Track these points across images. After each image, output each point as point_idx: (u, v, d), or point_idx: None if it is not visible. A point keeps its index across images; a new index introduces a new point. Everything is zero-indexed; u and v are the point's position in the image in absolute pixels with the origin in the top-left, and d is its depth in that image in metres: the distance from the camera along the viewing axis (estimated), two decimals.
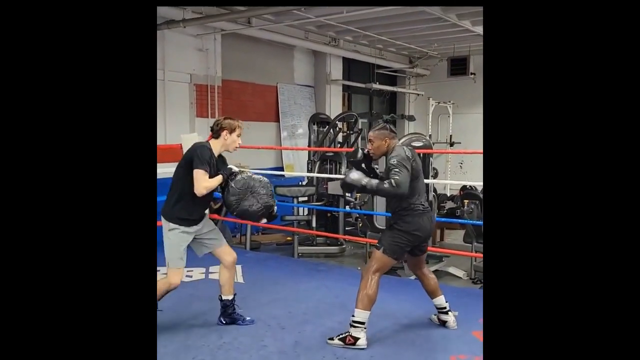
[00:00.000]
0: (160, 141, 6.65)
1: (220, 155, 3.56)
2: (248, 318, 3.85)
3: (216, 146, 3.48)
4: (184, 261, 3.49)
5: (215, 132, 3.48)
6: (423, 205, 3.55)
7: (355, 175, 3.49)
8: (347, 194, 6.73)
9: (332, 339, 3.53)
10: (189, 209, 3.42)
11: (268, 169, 8.28)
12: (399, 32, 8.78)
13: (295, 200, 6.78)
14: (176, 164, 6.54)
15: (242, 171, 3.57)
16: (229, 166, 3.59)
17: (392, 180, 3.31)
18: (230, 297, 3.76)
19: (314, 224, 6.79)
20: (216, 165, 3.47)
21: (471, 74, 9.96)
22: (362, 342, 3.45)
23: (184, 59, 7.31)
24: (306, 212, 7.06)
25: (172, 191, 3.48)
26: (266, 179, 3.62)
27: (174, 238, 3.42)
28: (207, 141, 3.56)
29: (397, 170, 3.34)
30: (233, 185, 3.46)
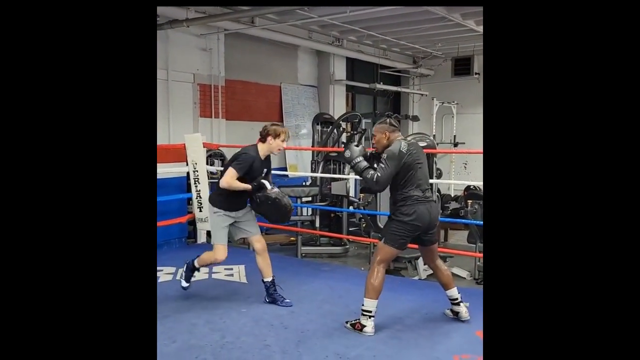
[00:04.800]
0: (164, 141, 6.64)
1: (267, 157, 4.14)
2: (287, 300, 4.22)
3: (263, 149, 4.07)
4: (226, 238, 4.11)
5: (263, 137, 4.06)
6: (420, 195, 3.60)
7: (355, 152, 3.63)
8: (350, 195, 6.73)
9: (347, 322, 3.75)
10: (229, 199, 4.04)
11: (272, 169, 8.25)
12: (403, 32, 8.74)
13: (298, 200, 6.77)
14: (180, 163, 6.59)
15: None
16: (262, 181, 4.04)
17: (376, 175, 3.47)
18: (269, 279, 4.20)
19: (317, 224, 6.76)
20: (261, 166, 4.06)
21: (475, 73, 9.90)
22: (368, 329, 3.62)
23: (187, 59, 7.29)
24: (310, 213, 7.03)
25: (219, 183, 4.14)
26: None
27: (217, 219, 4.08)
28: (256, 145, 4.09)
29: (382, 166, 3.49)
30: (269, 190, 4.01)
